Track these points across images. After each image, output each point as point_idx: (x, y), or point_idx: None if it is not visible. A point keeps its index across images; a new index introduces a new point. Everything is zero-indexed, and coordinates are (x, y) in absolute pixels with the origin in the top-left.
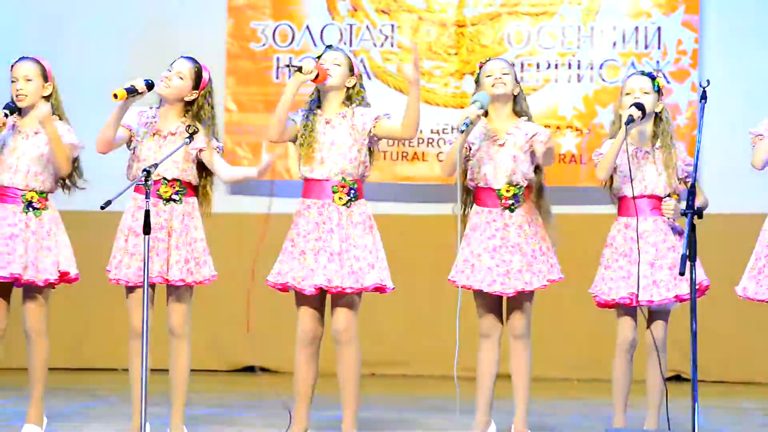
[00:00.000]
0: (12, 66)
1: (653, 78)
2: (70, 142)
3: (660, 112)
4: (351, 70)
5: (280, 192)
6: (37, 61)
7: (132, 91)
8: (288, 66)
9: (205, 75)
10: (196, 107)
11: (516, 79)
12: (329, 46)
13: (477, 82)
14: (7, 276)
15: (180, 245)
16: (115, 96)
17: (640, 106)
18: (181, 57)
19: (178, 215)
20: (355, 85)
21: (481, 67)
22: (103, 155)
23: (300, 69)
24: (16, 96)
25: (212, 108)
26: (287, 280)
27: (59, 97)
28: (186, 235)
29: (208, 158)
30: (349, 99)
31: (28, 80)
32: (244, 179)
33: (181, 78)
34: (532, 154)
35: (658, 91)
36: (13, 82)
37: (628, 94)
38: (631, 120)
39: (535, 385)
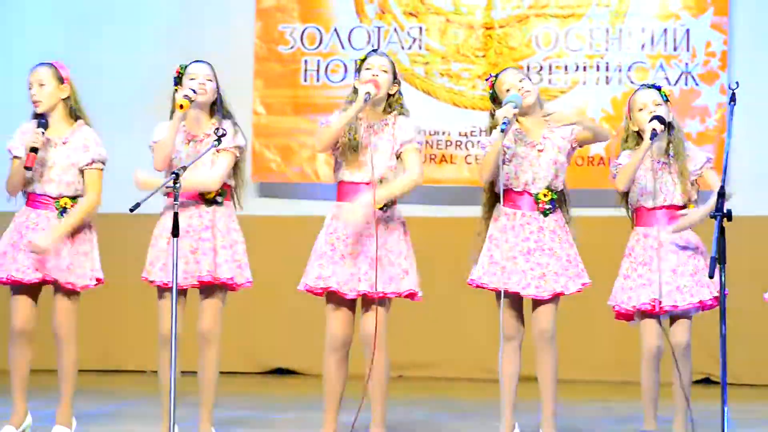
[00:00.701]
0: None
1: (659, 89)
2: (100, 157)
3: (671, 121)
4: (395, 76)
5: (307, 195)
6: (51, 65)
7: (191, 101)
8: (366, 98)
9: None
10: (218, 103)
11: (530, 80)
12: (374, 50)
13: (494, 98)
14: (35, 279)
15: (226, 245)
16: (181, 107)
17: (661, 119)
18: (194, 62)
19: (221, 216)
20: (396, 93)
21: (492, 85)
22: (159, 171)
23: (369, 96)
24: (33, 102)
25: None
26: (331, 284)
27: (78, 98)
28: (229, 237)
29: (220, 157)
30: (390, 106)
31: (41, 85)
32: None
33: (210, 80)
34: (569, 153)
35: (666, 101)
36: (29, 89)
37: (641, 109)
38: (655, 134)
39: (561, 388)
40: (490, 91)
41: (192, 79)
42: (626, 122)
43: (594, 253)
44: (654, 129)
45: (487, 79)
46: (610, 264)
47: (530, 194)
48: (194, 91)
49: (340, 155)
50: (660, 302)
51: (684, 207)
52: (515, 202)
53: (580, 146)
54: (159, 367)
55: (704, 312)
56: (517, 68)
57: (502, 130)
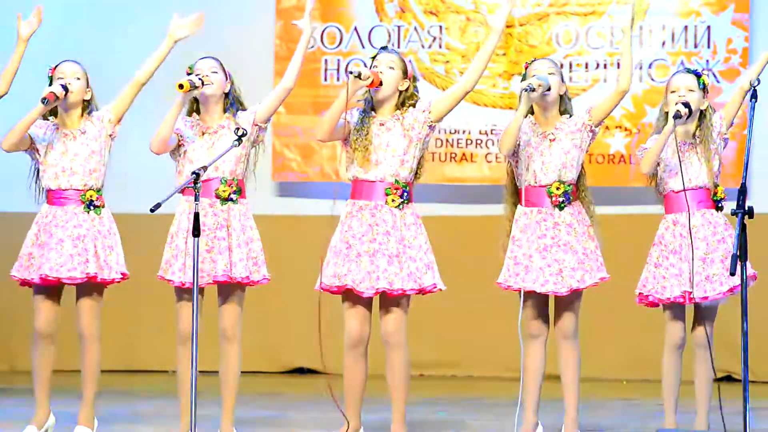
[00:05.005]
0: (55, 67)
1: (699, 76)
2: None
3: (704, 110)
4: (405, 73)
5: (327, 194)
6: (81, 65)
7: (193, 86)
8: (349, 73)
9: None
10: (232, 96)
11: (562, 78)
12: (383, 48)
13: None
14: (83, 276)
15: (241, 244)
16: (181, 87)
17: (687, 105)
18: (201, 58)
19: (235, 214)
20: (408, 88)
21: (527, 67)
22: (157, 155)
23: (359, 76)
24: (65, 88)
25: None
26: (347, 282)
27: (96, 103)
28: (244, 235)
29: (266, 107)
30: (402, 103)
31: (77, 78)
32: (301, 57)
33: (216, 73)
34: (587, 139)
35: (704, 89)
36: (60, 78)
37: (673, 91)
38: (678, 115)
39: (584, 386)
40: (524, 73)
41: (197, 75)
42: (662, 103)
43: (614, 251)
44: (678, 110)
45: (525, 63)
46: (630, 262)
47: (542, 188)
48: (200, 79)
49: (353, 152)
50: (690, 293)
51: (709, 189)
52: (530, 199)
53: (597, 125)
54: (177, 367)
55: (726, 309)
56: (553, 61)
57: (526, 90)
